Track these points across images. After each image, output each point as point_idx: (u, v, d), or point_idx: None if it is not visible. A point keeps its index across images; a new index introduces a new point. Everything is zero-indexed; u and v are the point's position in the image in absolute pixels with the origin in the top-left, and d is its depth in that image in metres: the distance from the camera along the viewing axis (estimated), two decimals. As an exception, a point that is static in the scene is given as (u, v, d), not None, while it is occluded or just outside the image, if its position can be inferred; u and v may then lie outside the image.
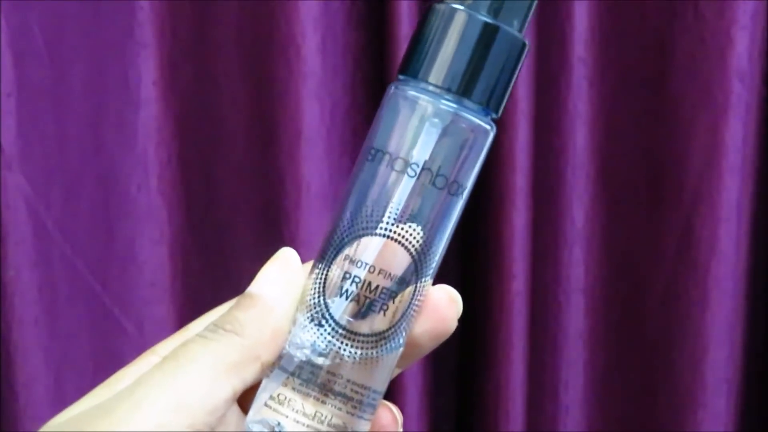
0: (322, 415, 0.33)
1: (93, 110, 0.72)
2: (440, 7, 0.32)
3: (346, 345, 0.33)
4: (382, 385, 0.34)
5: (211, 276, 0.76)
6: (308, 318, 0.33)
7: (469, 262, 0.81)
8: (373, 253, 0.32)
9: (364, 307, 0.33)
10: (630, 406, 0.83)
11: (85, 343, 0.74)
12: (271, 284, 0.32)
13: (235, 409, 0.33)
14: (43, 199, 0.71)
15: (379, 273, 0.32)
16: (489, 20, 0.32)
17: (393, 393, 0.77)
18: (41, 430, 0.32)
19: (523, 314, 0.78)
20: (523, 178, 0.76)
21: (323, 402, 0.33)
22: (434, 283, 0.35)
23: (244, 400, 0.33)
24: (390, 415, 0.35)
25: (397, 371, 0.36)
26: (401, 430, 0.35)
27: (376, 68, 0.75)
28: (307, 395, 0.33)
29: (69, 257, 0.73)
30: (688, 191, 0.78)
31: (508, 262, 0.76)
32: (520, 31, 0.33)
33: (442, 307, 0.34)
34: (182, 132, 0.75)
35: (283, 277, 0.33)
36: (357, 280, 0.32)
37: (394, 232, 0.32)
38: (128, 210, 0.74)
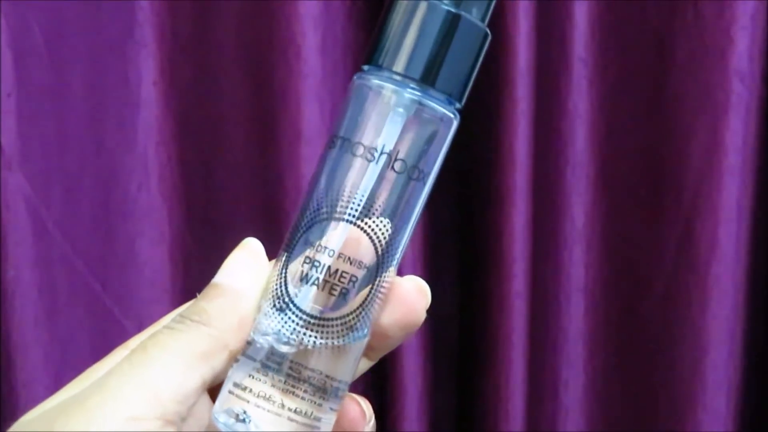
0: (287, 403, 0.33)
1: (93, 110, 0.72)
2: None
3: (310, 333, 0.33)
4: (347, 375, 0.34)
5: (211, 276, 0.76)
6: (272, 305, 0.33)
7: (469, 262, 0.81)
8: (337, 240, 0.33)
9: (326, 293, 0.33)
10: (630, 406, 0.83)
11: (85, 343, 0.74)
12: (236, 273, 0.33)
13: (206, 398, 0.33)
14: (43, 199, 0.71)
15: (343, 259, 0.33)
16: (451, 9, 0.32)
17: (393, 393, 0.77)
18: (12, 428, 0.32)
19: (523, 314, 0.78)
20: (523, 178, 0.76)
21: (289, 390, 0.33)
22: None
23: (215, 390, 0.33)
24: (358, 408, 0.35)
25: (368, 365, 0.36)
26: (371, 428, 0.35)
27: (376, 68, 0.75)
28: (273, 383, 0.33)
29: (69, 257, 0.73)
30: (688, 191, 0.78)
31: (508, 262, 0.76)
32: (482, 20, 0.33)
33: (410, 297, 0.34)
34: (182, 132, 0.75)
35: (248, 266, 0.33)
36: (318, 265, 0.33)
37: (358, 219, 0.33)
38: (128, 210, 0.74)
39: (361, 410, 0.35)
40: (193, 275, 0.76)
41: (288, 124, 0.72)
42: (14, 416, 0.70)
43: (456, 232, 0.81)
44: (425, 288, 0.35)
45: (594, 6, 0.77)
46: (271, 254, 0.35)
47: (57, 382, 0.72)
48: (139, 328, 0.76)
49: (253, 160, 0.75)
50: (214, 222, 0.77)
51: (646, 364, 0.82)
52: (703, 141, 0.77)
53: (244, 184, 0.76)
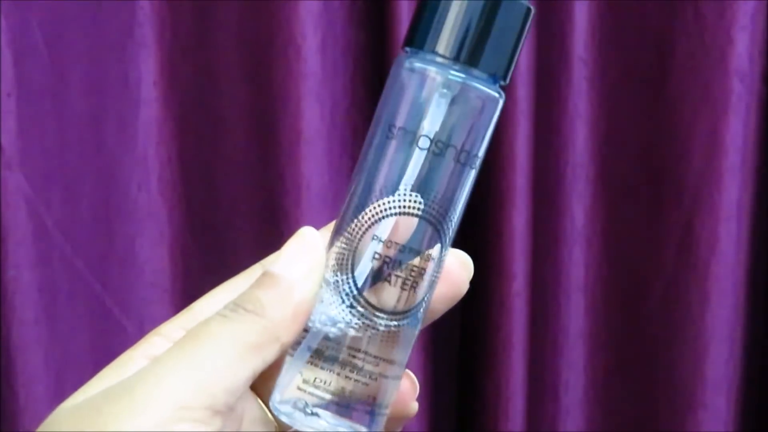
0: (348, 390, 0.33)
1: (93, 110, 0.72)
2: None
3: (375, 322, 0.33)
4: (405, 357, 0.34)
5: (211, 276, 0.76)
6: (337, 297, 0.33)
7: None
8: (406, 235, 0.33)
9: (398, 288, 0.33)
10: (630, 406, 0.83)
11: (85, 343, 0.74)
12: (293, 264, 0.32)
13: (248, 391, 0.33)
14: (43, 199, 0.71)
15: (414, 254, 0.33)
16: None
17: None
18: (54, 414, 0.31)
19: (523, 314, 0.78)
20: (523, 178, 0.76)
21: (348, 377, 0.33)
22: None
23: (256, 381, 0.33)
24: (409, 383, 0.35)
25: None
26: (417, 393, 0.35)
27: (376, 68, 0.75)
28: (333, 372, 0.33)
29: (69, 257, 0.73)
30: (688, 191, 0.78)
31: (508, 262, 0.76)
32: None
33: (454, 271, 0.35)
34: (182, 132, 0.75)
35: (305, 257, 0.32)
36: (389, 261, 0.33)
37: (425, 212, 0.32)
38: (128, 210, 0.74)
39: (413, 384, 0.35)
40: (193, 275, 0.76)
41: (288, 124, 0.72)
42: (14, 416, 0.70)
43: (456, 232, 0.81)
44: (468, 260, 0.35)
45: (594, 6, 0.77)
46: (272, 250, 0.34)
47: (57, 382, 0.72)
48: (139, 327, 0.77)
49: (253, 160, 0.75)
50: (214, 222, 0.77)
51: (646, 364, 0.82)
52: (703, 141, 0.77)
53: (244, 184, 0.76)
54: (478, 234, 0.79)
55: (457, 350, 0.84)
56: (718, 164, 0.76)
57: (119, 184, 0.73)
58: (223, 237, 0.77)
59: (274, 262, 0.32)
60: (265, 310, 0.31)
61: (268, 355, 0.31)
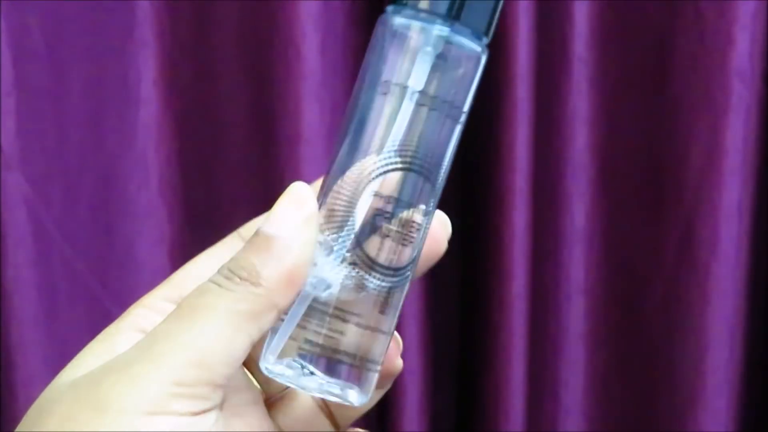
0: (340, 350, 0.33)
1: (93, 110, 0.72)
2: None
3: (369, 280, 0.33)
4: (396, 316, 0.34)
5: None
6: (331, 255, 0.32)
7: (469, 263, 0.81)
8: (407, 190, 0.33)
9: (399, 244, 0.33)
10: (630, 406, 0.83)
11: (84, 342, 0.74)
12: (287, 224, 0.31)
13: None
14: (43, 199, 0.71)
15: (414, 209, 0.33)
16: None
17: (393, 393, 0.77)
18: (51, 388, 0.31)
19: (523, 315, 0.78)
20: (523, 178, 0.76)
21: (340, 337, 0.33)
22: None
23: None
24: (394, 345, 0.35)
25: None
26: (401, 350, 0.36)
27: (376, 68, 0.75)
28: (325, 332, 0.32)
29: (69, 257, 0.73)
30: (688, 191, 0.78)
31: (508, 262, 0.76)
32: None
33: (434, 228, 0.34)
34: (182, 132, 0.75)
35: (298, 215, 0.31)
36: (390, 217, 0.33)
37: (422, 167, 0.33)
38: (128, 210, 0.74)
39: (396, 341, 0.35)
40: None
41: (288, 124, 0.72)
42: (14, 416, 0.70)
43: (456, 233, 0.80)
44: (446, 219, 0.35)
45: (594, 6, 0.77)
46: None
47: (57, 382, 0.72)
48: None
49: (253, 160, 0.75)
50: (214, 222, 0.77)
51: (646, 365, 0.82)
52: (703, 141, 0.77)
53: (244, 184, 0.76)
54: (478, 234, 0.79)
55: (457, 350, 0.84)
56: (718, 164, 0.76)
57: (119, 184, 0.73)
58: (222, 237, 0.77)
59: (266, 221, 0.31)
60: (260, 277, 0.30)
61: (266, 323, 0.31)
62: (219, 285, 0.31)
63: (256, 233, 0.31)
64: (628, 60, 0.79)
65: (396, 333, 0.35)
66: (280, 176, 0.73)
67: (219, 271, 0.31)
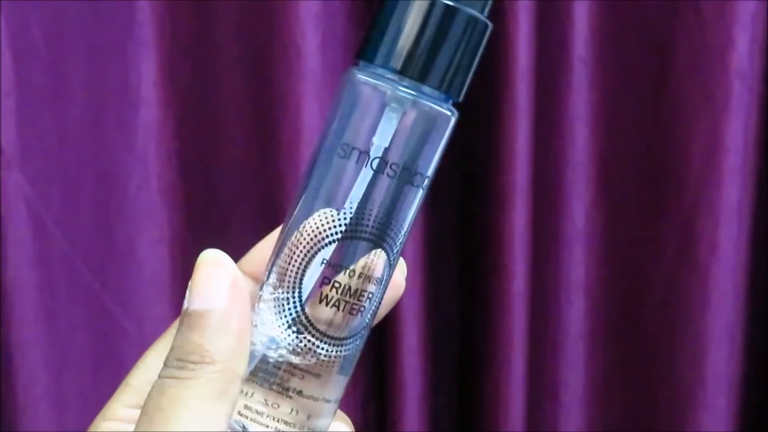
0: (285, 410, 0.32)
1: (93, 110, 0.72)
2: None
3: (316, 345, 0.32)
4: (345, 381, 0.33)
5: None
6: (278, 315, 0.32)
7: (469, 262, 0.81)
8: (357, 259, 0.32)
9: (346, 313, 0.32)
10: (630, 407, 0.83)
11: (84, 342, 0.74)
12: (214, 294, 0.30)
13: None
14: (43, 199, 0.71)
15: (363, 278, 0.32)
16: (449, 2, 0.30)
17: (393, 393, 0.77)
18: None
19: (523, 314, 0.78)
20: (523, 178, 0.76)
21: (287, 397, 0.32)
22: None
23: None
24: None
25: None
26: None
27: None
28: (271, 392, 0.32)
29: (69, 257, 0.73)
30: (688, 191, 0.78)
31: (508, 262, 0.76)
32: (482, 11, 0.31)
33: (395, 277, 0.34)
34: (182, 132, 0.75)
35: (221, 282, 0.30)
36: (339, 286, 0.32)
37: (374, 235, 0.31)
38: (128, 210, 0.74)
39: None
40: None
41: (288, 124, 0.72)
42: (14, 416, 0.70)
43: (456, 233, 0.81)
44: (401, 262, 0.34)
45: (594, 6, 0.77)
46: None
47: (56, 382, 0.72)
48: (139, 327, 0.77)
49: (253, 160, 0.75)
50: (214, 222, 0.77)
51: (646, 364, 0.82)
52: (703, 141, 0.76)
53: (244, 184, 0.76)
54: (478, 234, 0.79)
55: (457, 350, 0.84)
56: (718, 164, 0.76)
57: (119, 184, 0.73)
58: (222, 237, 0.77)
59: (190, 299, 0.30)
60: (213, 354, 0.29)
61: (234, 393, 0.30)
62: (176, 378, 0.30)
63: (186, 314, 0.30)
64: (628, 60, 0.79)
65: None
66: (280, 176, 0.73)
67: (167, 365, 0.30)
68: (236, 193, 0.76)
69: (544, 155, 0.78)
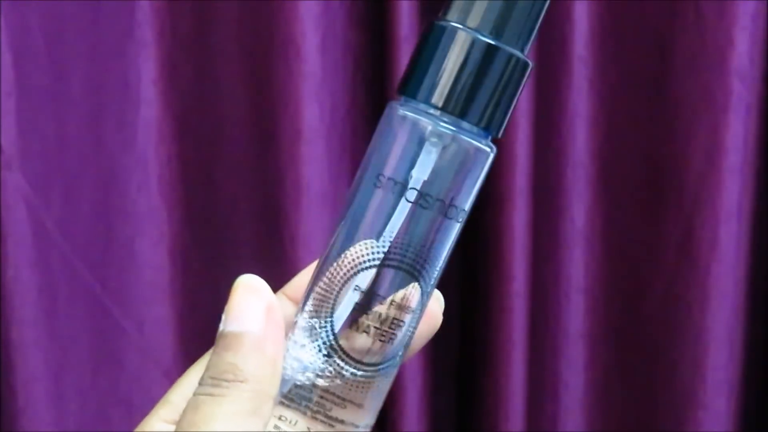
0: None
1: (93, 110, 0.72)
2: (440, 25, 0.31)
3: (348, 371, 0.33)
4: (378, 404, 0.34)
5: (211, 276, 0.76)
6: (312, 342, 0.32)
7: (469, 263, 0.81)
8: (390, 288, 0.32)
9: (377, 340, 0.33)
10: (630, 406, 0.83)
11: (84, 343, 0.74)
12: (249, 317, 0.31)
13: None
14: (43, 199, 0.71)
15: (395, 306, 0.32)
16: (491, 41, 0.31)
17: (393, 393, 0.77)
18: None
19: (523, 314, 0.78)
20: (523, 178, 0.76)
21: (317, 420, 0.33)
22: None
23: None
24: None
25: None
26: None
27: (376, 68, 0.75)
28: (304, 417, 0.33)
29: (69, 257, 0.73)
30: (688, 191, 0.78)
31: (508, 262, 0.76)
32: (522, 50, 0.32)
33: (431, 309, 0.34)
34: (182, 132, 0.75)
35: (257, 306, 0.31)
36: (370, 313, 0.32)
37: (401, 261, 0.32)
38: (128, 210, 0.74)
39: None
40: (192, 275, 0.76)
41: (288, 124, 0.72)
42: (14, 416, 0.70)
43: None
44: (439, 295, 0.35)
45: (594, 6, 0.77)
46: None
47: (56, 382, 0.72)
48: (138, 327, 0.77)
49: (253, 160, 0.75)
50: (214, 222, 0.77)
51: (646, 364, 0.82)
52: (703, 141, 0.77)
53: (244, 184, 0.76)
54: (478, 234, 0.79)
55: (457, 351, 0.84)
56: (718, 164, 0.76)
57: (119, 184, 0.73)
58: (222, 237, 0.77)
59: (227, 321, 0.31)
60: (246, 374, 0.30)
61: (266, 414, 0.31)
62: (210, 395, 0.30)
63: (222, 335, 0.31)
64: (628, 60, 0.79)
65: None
66: (280, 176, 0.73)
67: (202, 383, 0.31)
68: (236, 193, 0.76)
69: (544, 155, 0.78)
